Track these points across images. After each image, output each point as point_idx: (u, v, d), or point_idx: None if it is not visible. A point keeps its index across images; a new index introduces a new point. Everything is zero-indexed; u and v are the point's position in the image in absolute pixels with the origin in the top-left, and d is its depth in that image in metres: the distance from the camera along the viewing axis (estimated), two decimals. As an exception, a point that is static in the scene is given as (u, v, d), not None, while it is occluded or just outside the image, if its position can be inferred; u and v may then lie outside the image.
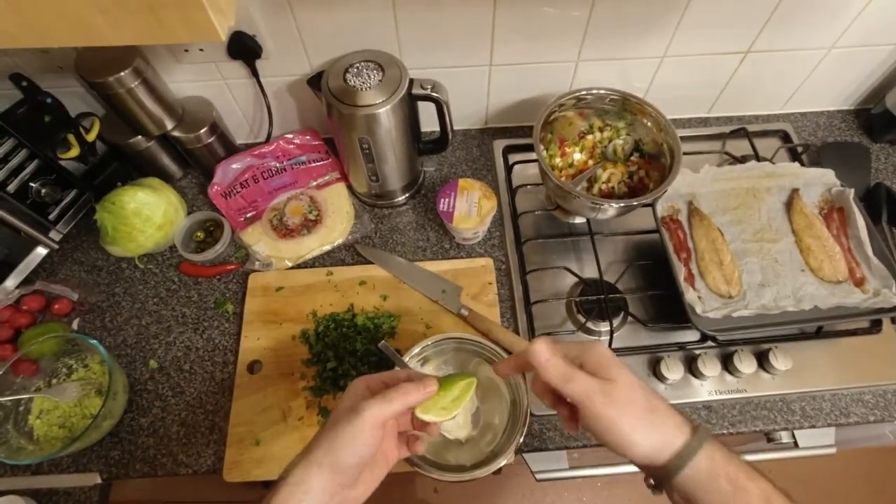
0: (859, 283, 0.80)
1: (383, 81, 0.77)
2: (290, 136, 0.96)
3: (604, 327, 0.84)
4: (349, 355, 0.79)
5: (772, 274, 0.82)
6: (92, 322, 0.87)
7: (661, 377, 0.79)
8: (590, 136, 0.91)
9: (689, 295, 0.79)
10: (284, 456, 0.75)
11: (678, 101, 1.02)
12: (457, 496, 1.66)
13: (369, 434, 0.45)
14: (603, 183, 0.90)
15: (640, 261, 0.89)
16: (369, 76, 0.77)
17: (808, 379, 0.79)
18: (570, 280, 0.89)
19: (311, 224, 0.92)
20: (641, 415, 0.46)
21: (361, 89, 0.76)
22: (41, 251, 0.84)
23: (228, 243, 0.92)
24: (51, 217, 0.86)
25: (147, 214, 0.84)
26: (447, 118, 0.85)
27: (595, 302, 0.84)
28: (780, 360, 0.77)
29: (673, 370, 0.78)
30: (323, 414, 0.77)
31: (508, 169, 1.01)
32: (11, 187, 0.79)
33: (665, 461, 0.45)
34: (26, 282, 0.84)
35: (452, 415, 0.51)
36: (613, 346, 0.80)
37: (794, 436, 0.85)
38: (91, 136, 0.83)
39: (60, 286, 0.86)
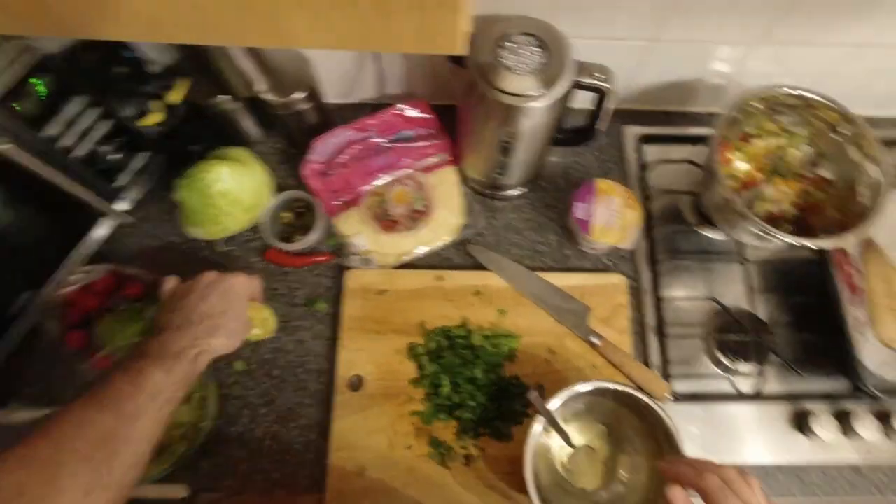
0: None
1: (548, 65, 0.61)
2: (403, 107, 0.80)
3: (745, 369, 0.74)
4: (466, 382, 0.70)
5: (958, 332, 0.71)
6: (167, 310, 0.76)
7: (808, 432, 0.71)
8: (758, 141, 0.76)
9: (865, 348, 0.69)
10: (391, 489, 0.67)
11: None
12: None
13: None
14: (770, 203, 0.75)
15: (791, 294, 0.78)
16: (529, 56, 0.61)
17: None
18: (708, 305, 0.78)
19: (417, 216, 0.79)
20: None
21: (518, 72, 0.61)
22: (109, 224, 0.73)
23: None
24: (118, 184, 0.74)
25: (235, 196, 0.71)
26: (603, 110, 0.70)
27: (739, 340, 0.74)
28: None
29: (827, 427, 0.70)
30: (433, 445, 0.69)
31: (642, 165, 0.86)
32: (79, 151, 0.66)
33: None
34: (93, 258, 0.73)
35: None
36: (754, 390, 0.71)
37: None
38: (175, 97, 0.68)
39: (135, 268, 0.74)
